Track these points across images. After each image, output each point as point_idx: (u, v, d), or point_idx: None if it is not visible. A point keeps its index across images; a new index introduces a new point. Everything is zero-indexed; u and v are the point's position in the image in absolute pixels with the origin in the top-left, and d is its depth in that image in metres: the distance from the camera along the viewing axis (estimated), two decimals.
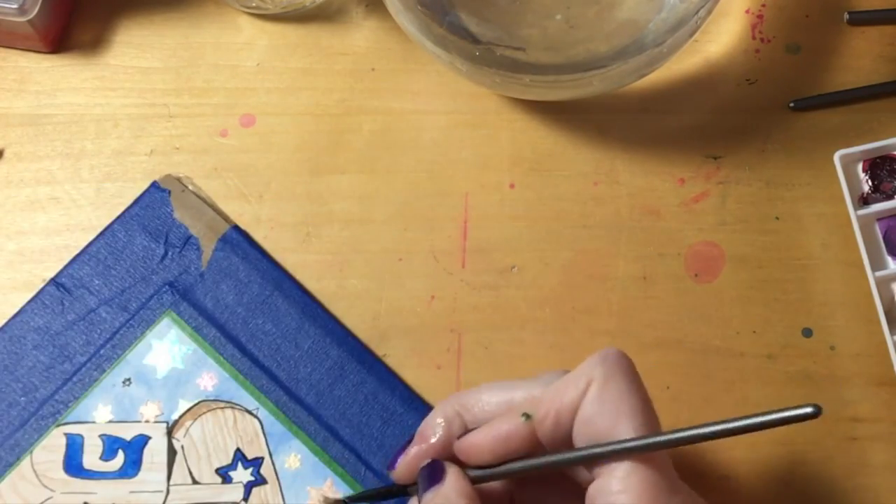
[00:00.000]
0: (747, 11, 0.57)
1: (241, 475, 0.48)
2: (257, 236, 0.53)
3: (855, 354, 0.51)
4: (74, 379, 0.50)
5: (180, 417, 0.49)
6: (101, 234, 0.52)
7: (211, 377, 0.50)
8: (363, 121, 0.55)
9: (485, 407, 0.42)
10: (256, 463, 0.48)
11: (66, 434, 0.49)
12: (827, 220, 0.53)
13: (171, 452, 0.49)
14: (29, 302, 0.51)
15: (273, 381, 0.50)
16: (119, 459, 0.49)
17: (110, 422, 0.49)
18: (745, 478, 0.49)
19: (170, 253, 0.52)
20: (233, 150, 0.55)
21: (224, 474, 0.48)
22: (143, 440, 0.49)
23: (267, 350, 0.50)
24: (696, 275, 0.53)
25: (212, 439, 0.49)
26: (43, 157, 0.55)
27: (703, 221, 0.53)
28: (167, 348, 0.50)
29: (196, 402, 0.49)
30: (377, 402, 0.49)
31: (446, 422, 0.42)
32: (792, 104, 0.55)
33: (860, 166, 0.54)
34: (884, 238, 0.52)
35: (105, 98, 0.56)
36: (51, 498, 0.48)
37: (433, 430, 0.42)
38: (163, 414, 0.49)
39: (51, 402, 0.49)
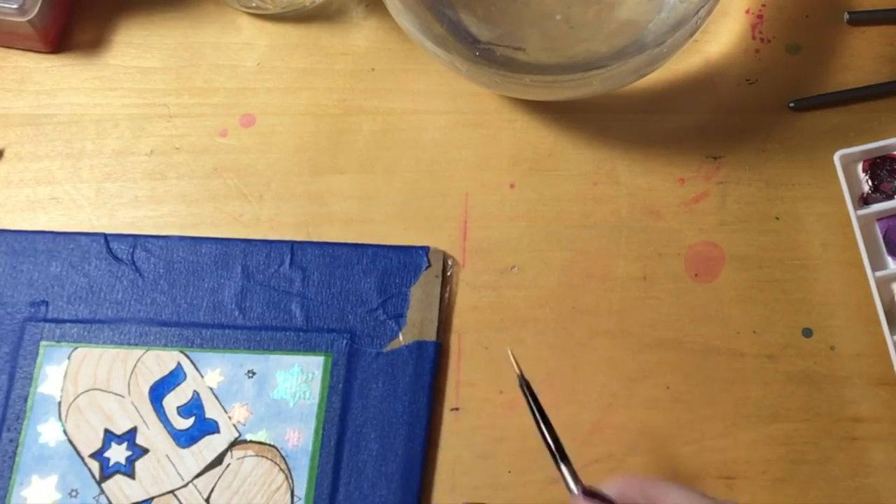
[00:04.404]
0: (747, 11, 0.57)
1: None
2: (257, 236, 0.53)
3: (855, 354, 0.51)
4: (226, 331, 0.50)
5: (250, 441, 0.48)
6: (354, 245, 0.52)
7: (299, 436, 0.48)
8: (363, 121, 0.55)
9: None
10: None
11: (178, 363, 0.49)
12: (827, 220, 0.53)
13: (218, 461, 0.48)
14: (260, 241, 0.52)
15: (330, 493, 0.48)
16: (187, 423, 0.49)
17: (211, 389, 0.49)
18: (746, 478, 0.49)
19: (378, 312, 0.50)
20: (233, 150, 0.55)
21: None
22: (212, 427, 0.49)
23: (353, 463, 0.48)
24: (696, 275, 0.53)
25: (250, 483, 0.48)
26: (43, 157, 0.55)
27: (703, 221, 0.53)
28: (299, 380, 0.49)
29: (271, 443, 0.48)
30: None
31: None
32: (792, 104, 0.55)
33: (860, 166, 0.54)
34: (884, 238, 0.52)
35: (105, 98, 0.56)
36: (122, 397, 0.49)
37: None
38: (244, 426, 0.49)
39: (196, 329, 0.50)
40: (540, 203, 0.54)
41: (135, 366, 0.49)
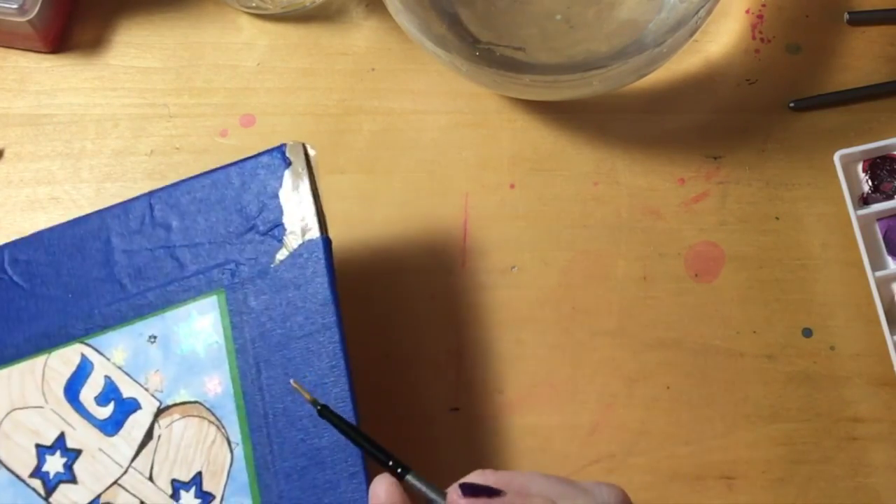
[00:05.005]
0: (747, 11, 0.57)
1: (190, 501, 0.45)
2: None
3: (855, 354, 0.51)
4: (115, 306, 0.48)
5: (173, 406, 0.47)
6: (208, 174, 0.48)
7: (218, 383, 0.46)
8: (363, 121, 0.55)
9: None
10: (207, 498, 0.45)
11: (82, 354, 0.48)
12: (827, 220, 0.53)
13: (148, 436, 0.46)
14: (118, 204, 0.49)
15: (265, 427, 0.45)
16: (108, 410, 0.47)
17: (120, 368, 0.47)
18: (746, 478, 0.49)
19: (253, 230, 0.47)
20: (233, 150, 0.55)
21: (176, 489, 0.46)
22: (133, 405, 0.47)
23: (278, 390, 0.45)
24: (696, 275, 0.53)
25: (185, 447, 0.46)
26: (43, 157, 0.55)
27: (703, 221, 0.53)
28: (199, 327, 0.47)
29: (193, 400, 0.46)
30: None
31: None
32: (792, 104, 0.55)
33: (860, 166, 0.54)
34: (884, 238, 0.52)
35: (105, 98, 0.56)
36: (41, 408, 0.47)
37: None
38: (162, 392, 0.47)
39: (88, 316, 0.48)
40: (540, 203, 0.54)
41: (43, 372, 0.48)
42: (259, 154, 0.48)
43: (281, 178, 0.47)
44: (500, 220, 0.54)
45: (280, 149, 0.47)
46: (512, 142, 0.55)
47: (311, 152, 0.47)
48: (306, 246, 0.47)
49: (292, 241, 0.47)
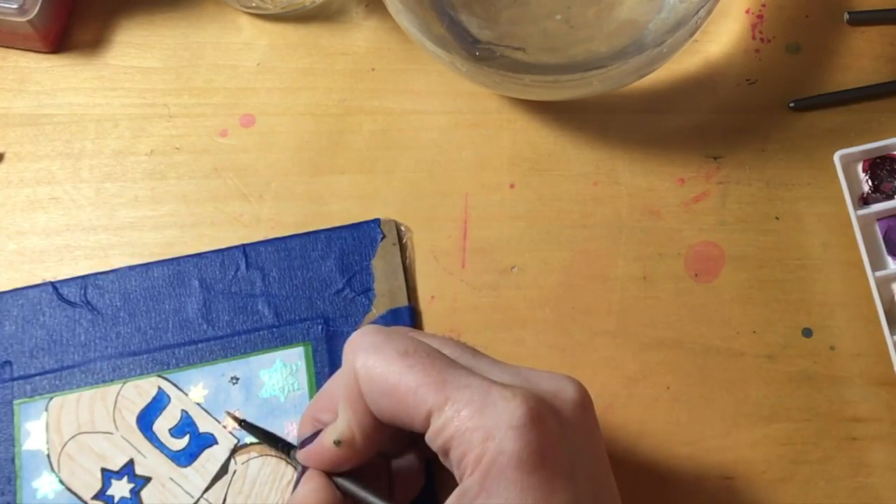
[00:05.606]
0: (747, 11, 0.57)
1: None
2: (257, 236, 0.53)
3: (855, 354, 0.51)
4: (199, 345, 0.50)
5: (251, 444, 0.48)
6: (307, 234, 0.52)
7: (296, 428, 0.48)
8: (363, 121, 0.55)
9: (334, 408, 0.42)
10: None
11: (159, 387, 0.49)
12: (827, 220, 0.53)
13: (223, 470, 0.48)
14: (211, 252, 0.51)
15: None
16: (182, 443, 0.48)
17: (198, 404, 0.49)
18: (745, 478, 0.49)
19: (345, 292, 0.51)
20: (233, 150, 0.55)
21: None
22: (210, 440, 0.48)
23: None
24: (696, 275, 0.53)
25: (260, 484, 0.47)
26: (43, 157, 0.55)
27: (703, 221, 0.53)
28: (284, 374, 0.49)
29: None
30: None
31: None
32: (792, 104, 0.55)
33: (860, 166, 0.54)
34: (884, 238, 0.52)
35: (105, 98, 0.56)
36: (111, 434, 0.48)
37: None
38: (241, 431, 0.48)
39: (168, 351, 0.49)
40: (540, 203, 0.54)
41: (116, 401, 0.49)
42: (358, 223, 0.52)
43: (375, 248, 0.51)
44: (500, 220, 0.54)
45: (376, 221, 0.52)
46: (512, 142, 0.55)
47: (402, 228, 0.52)
48: (393, 312, 0.51)
49: (380, 306, 0.50)
